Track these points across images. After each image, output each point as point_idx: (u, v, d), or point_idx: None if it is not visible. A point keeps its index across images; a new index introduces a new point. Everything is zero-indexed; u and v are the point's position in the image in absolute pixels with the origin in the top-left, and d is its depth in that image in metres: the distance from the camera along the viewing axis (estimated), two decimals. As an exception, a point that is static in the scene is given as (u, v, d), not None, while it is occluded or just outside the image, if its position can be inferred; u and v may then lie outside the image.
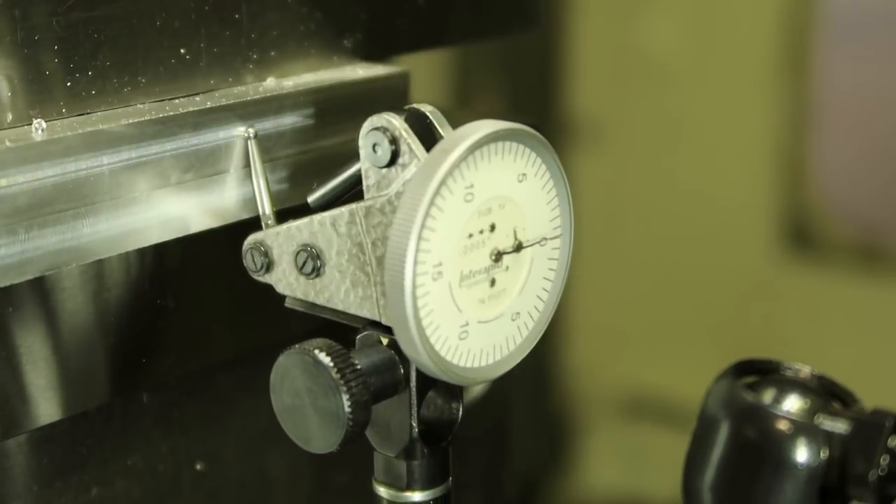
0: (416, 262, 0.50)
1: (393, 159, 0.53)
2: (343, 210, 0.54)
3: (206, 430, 0.67)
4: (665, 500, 1.75)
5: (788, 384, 0.59)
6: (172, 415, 0.65)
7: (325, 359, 0.52)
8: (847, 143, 1.75)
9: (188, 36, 0.62)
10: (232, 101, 0.62)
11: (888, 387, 1.69)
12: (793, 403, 0.59)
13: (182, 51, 0.62)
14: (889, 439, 0.56)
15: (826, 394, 0.59)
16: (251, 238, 0.58)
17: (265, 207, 0.59)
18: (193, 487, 0.67)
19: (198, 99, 0.62)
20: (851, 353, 1.72)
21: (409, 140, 0.53)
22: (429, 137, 0.54)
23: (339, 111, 0.68)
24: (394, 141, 0.53)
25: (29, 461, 0.59)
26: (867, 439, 0.56)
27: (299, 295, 0.57)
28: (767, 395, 0.59)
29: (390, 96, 0.70)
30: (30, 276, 0.54)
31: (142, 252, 0.58)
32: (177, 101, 0.62)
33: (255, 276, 0.58)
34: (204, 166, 0.62)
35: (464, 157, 0.51)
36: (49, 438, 0.59)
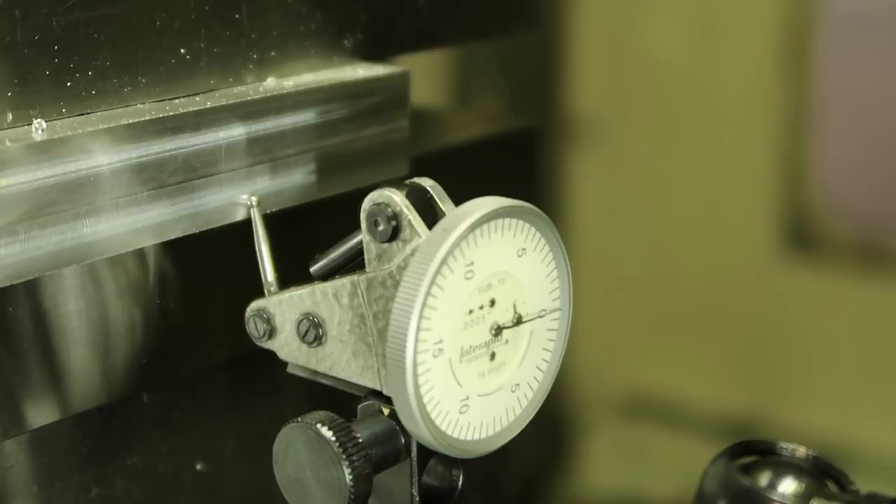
0: (416, 341, 0.50)
1: (394, 235, 0.54)
2: (345, 281, 0.55)
3: (206, 430, 0.67)
4: (665, 500, 1.75)
5: (784, 466, 0.60)
6: (172, 415, 0.65)
7: (326, 433, 0.53)
8: (847, 142, 1.75)
9: (188, 36, 0.62)
10: (232, 101, 0.62)
11: (888, 387, 1.69)
12: (788, 486, 0.59)
13: (182, 51, 0.62)
14: None
15: (821, 475, 0.60)
16: (254, 305, 0.58)
17: (267, 274, 0.60)
18: (193, 487, 0.67)
19: (198, 99, 0.62)
20: (851, 352, 1.72)
21: (410, 216, 0.53)
22: (429, 212, 0.54)
23: (339, 111, 0.68)
24: (395, 217, 0.53)
25: (29, 461, 0.59)
26: None
27: (301, 362, 0.58)
28: (763, 478, 0.59)
29: (390, 96, 0.70)
30: (30, 277, 0.54)
31: (142, 252, 0.58)
32: (177, 101, 0.62)
33: (258, 343, 0.59)
34: (204, 166, 0.62)
35: (464, 237, 0.51)
36: (49, 438, 0.59)
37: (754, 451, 0.61)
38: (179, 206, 0.61)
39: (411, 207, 0.54)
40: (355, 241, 0.56)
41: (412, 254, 0.52)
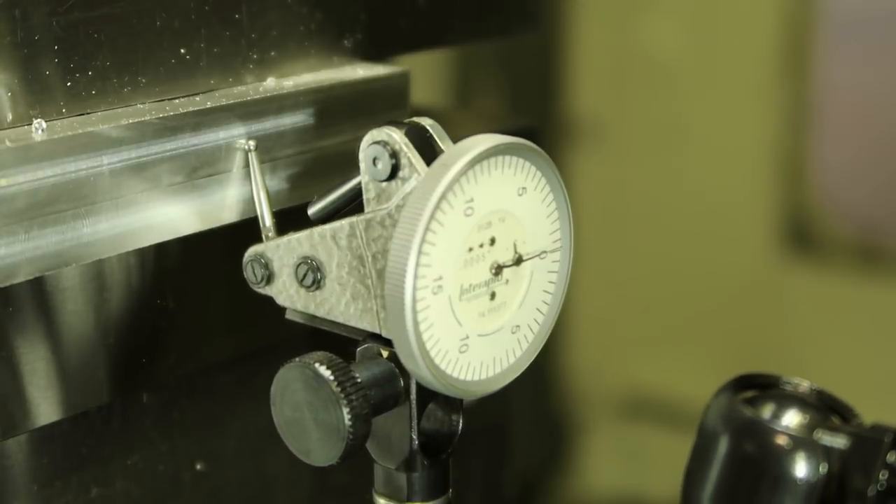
0: (416, 277, 0.50)
1: (393, 173, 0.53)
2: (343, 223, 0.55)
3: (206, 430, 0.67)
4: (665, 500, 1.75)
5: (788, 399, 0.60)
6: (172, 415, 0.65)
7: (325, 372, 0.52)
8: (847, 143, 1.75)
9: (188, 36, 0.62)
10: (232, 101, 0.62)
11: (888, 386, 1.69)
12: (792, 418, 0.59)
13: (182, 51, 0.62)
14: (888, 455, 0.56)
15: (825, 409, 0.60)
16: (251, 250, 0.58)
17: (265, 219, 0.59)
18: (193, 487, 0.67)
19: (198, 99, 0.62)
20: (851, 353, 1.72)
21: (410, 154, 0.53)
22: (429, 151, 0.54)
23: (339, 111, 0.68)
24: (394, 155, 0.53)
25: (29, 461, 0.59)
26: (866, 454, 0.56)
27: (299, 307, 0.57)
28: (767, 410, 0.59)
29: (390, 96, 0.70)
30: (30, 276, 0.54)
31: (142, 252, 0.58)
32: (177, 101, 0.62)
33: (256, 288, 0.58)
34: (204, 166, 0.62)
35: (464, 172, 0.51)
36: (49, 438, 0.59)
37: (757, 386, 0.61)
38: (179, 205, 0.61)
39: (410, 146, 0.53)
40: (354, 182, 0.56)
41: (411, 191, 0.52)
